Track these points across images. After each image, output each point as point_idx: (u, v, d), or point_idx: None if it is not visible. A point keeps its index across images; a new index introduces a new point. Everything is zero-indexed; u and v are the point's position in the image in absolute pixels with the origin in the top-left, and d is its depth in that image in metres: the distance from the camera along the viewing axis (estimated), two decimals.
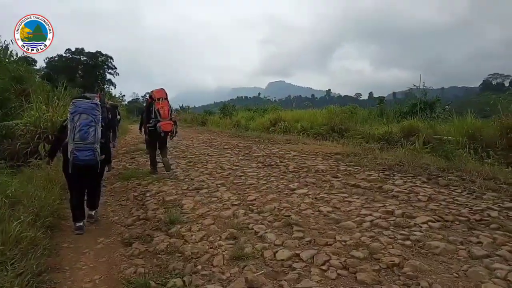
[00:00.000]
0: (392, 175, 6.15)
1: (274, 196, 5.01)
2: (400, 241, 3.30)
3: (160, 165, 7.64)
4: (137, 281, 2.85)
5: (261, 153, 9.03)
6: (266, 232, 3.63)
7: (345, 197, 4.86)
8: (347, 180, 5.89)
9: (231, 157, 8.62)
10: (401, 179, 5.83)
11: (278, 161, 7.83)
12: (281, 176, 6.32)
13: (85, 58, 48.20)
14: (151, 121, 6.85)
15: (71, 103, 4.18)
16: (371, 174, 6.18)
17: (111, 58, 49.83)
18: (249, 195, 5.08)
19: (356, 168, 6.77)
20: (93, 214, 4.55)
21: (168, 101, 6.98)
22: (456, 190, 5.07)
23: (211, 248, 3.41)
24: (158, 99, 6.80)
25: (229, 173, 6.73)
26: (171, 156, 9.16)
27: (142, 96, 67.84)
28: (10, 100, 11.67)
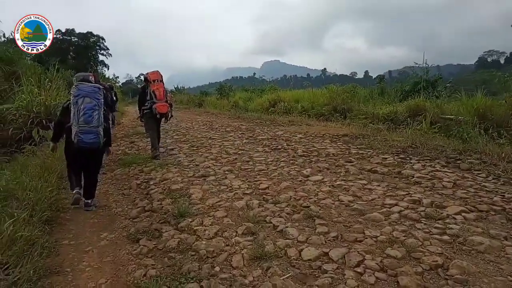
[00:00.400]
0: (408, 158, 5.83)
1: (287, 183, 4.67)
2: (437, 236, 2.99)
3: (162, 149, 7.30)
4: (148, 286, 2.53)
5: (265, 136, 8.67)
6: (287, 227, 3.30)
7: (365, 184, 4.53)
8: (362, 164, 5.57)
9: (235, 141, 8.25)
10: (418, 163, 5.52)
11: (285, 144, 7.47)
12: (291, 161, 5.99)
13: (76, 39, 46.83)
14: (146, 103, 6.81)
15: (74, 86, 4.13)
16: (386, 158, 5.86)
17: (102, 39, 48.51)
18: (261, 183, 4.75)
19: (369, 151, 6.45)
20: (89, 202, 4.38)
21: (163, 83, 6.94)
22: (480, 175, 4.76)
23: (227, 245, 3.08)
24: (153, 81, 6.78)
25: (236, 158, 6.38)
26: (172, 140, 8.81)
27: (136, 78, 66.48)
28: (1, 82, 11.14)
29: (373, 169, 5.24)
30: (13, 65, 12.39)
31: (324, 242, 3.01)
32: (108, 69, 48.29)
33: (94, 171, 4.50)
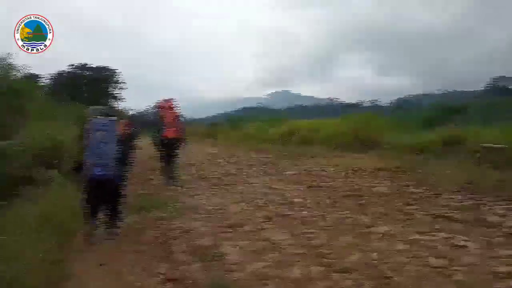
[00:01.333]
0: (479, 200, 4.82)
1: (347, 238, 3.65)
2: None
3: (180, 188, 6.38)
4: None
5: (294, 171, 7.73)
6: None
7: (448, 239, 3.51)
8: (427, 208, 4.56)
9: (262, 177, 7.30)
10: (497, 206, 4.51)
11: (320, 181, 6.51)
12: (337, 204, 4.99)
13: (90, 73, 47.27)
14: (156, 130, 7.02)
15: (88, 120, 4.16)
16: (453, 199, 4.87)
17: (117, 72, 48.86)
18: (312, 237, 3.74)
19: (425, 190, 5.45)
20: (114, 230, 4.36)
21: (173, 110, 7.09)
22: None
23: None
24: (164, 107, 7.01)
25: (268, 200, 5.39)
26: (189, 176, 7.91)
27: (145, 110, 66.49)
28: (6, 116, 10.42)
29: (445, 214, 4.22)
30: (21, 97, 11.76)
31: None
32: (121, 102, 48.34)
33: (114, 201, 4.39)
